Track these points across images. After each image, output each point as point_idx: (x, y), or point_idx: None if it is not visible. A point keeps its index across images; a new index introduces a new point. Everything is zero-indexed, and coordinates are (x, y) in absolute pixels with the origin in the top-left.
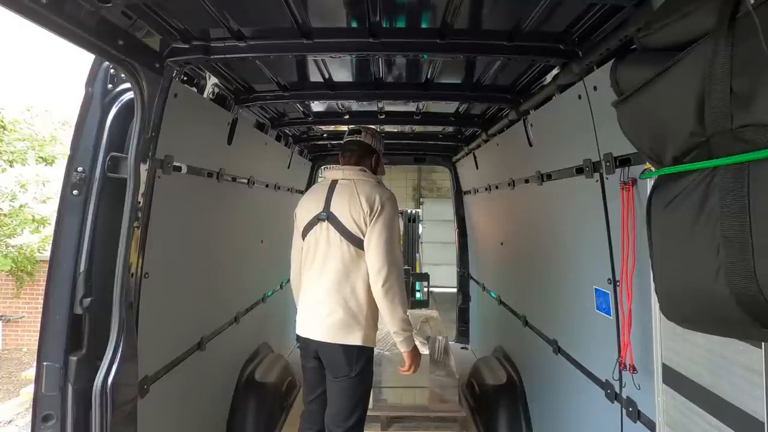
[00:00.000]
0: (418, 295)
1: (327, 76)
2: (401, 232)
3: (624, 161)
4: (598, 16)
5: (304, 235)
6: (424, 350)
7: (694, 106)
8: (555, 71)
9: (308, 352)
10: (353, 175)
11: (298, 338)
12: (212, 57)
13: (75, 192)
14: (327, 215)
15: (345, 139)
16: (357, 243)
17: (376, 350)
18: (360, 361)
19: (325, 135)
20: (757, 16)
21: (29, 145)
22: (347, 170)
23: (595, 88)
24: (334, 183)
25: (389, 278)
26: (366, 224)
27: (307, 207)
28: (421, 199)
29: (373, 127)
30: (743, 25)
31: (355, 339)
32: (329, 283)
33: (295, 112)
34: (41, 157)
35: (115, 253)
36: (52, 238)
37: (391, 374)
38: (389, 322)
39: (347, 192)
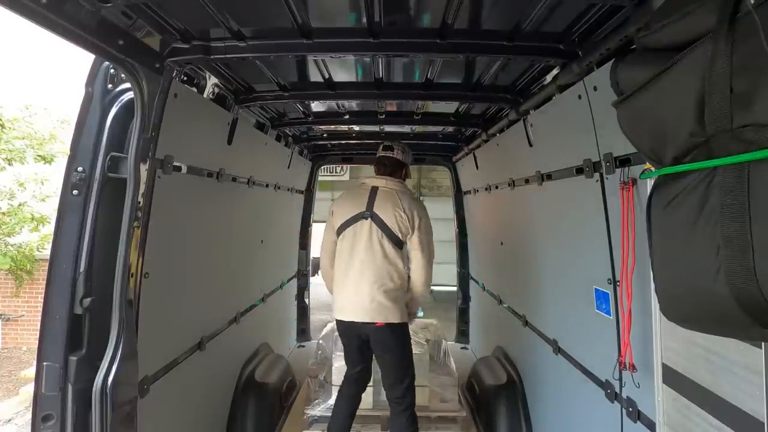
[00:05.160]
0: None
1: (327, 76)
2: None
3: (624, 161)
4: (598, 16)
5: (341, 230)
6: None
7: (694, 106)
8: (555, 71)
9: (351, 334)
10: (394, 185)
11: (340, 323)
12: (212, 57)
13: (75, 192)
14: (371, 214)
15: (379, 154)
16: (395, 241)
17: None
18: (403, 334)
19: (325, 135)
20: (757, 15)
21: (28, 143)
22: (389, 181)
23: (595, 88)
24: (375, 189)
25: (428, 272)
26: (407, 229)
27: (348, 206)
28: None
29: (404, 142)
30: (743, 25)
31: (397, 317)
32: (372, 273)
33: (295, 112)
34: (40, 156)
35: (115, 253)
36: (52, 238)
37: None
38: (417, 296)
39: (390, 199)
